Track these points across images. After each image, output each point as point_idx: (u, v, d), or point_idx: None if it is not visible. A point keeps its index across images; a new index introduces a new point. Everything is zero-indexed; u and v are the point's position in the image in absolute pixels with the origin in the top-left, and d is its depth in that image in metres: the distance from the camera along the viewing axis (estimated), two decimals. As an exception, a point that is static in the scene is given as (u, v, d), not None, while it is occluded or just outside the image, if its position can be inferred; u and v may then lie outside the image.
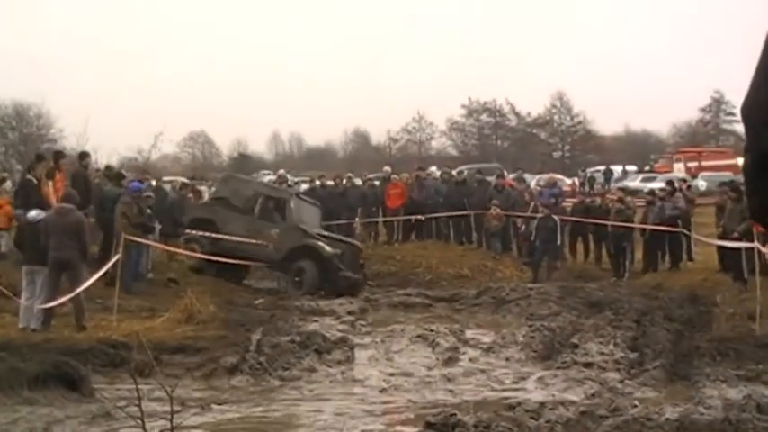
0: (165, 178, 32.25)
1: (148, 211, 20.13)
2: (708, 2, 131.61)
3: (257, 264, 22.93)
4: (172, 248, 20.94)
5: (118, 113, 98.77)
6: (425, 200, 27.95)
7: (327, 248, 21.42)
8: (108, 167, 22.95)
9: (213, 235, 22.11)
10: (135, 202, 19.15)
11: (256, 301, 19.76)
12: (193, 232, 22.15)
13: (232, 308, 18.12)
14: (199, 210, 23.03)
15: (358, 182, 31.14)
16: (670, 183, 27.40)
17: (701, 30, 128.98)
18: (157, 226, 20.71)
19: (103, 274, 16.24)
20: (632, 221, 25.02)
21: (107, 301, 16.34)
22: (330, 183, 31.21)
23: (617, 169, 59.59)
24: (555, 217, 24.98)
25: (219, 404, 11.33)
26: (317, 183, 31.39)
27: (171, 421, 5.09)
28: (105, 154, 41.52)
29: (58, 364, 11.31)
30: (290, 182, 33.35)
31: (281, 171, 36.40)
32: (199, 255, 21.85)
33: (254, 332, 15.39)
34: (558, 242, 25.12)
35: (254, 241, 21.82)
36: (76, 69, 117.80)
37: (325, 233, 22.58)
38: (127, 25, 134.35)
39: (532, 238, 25.39)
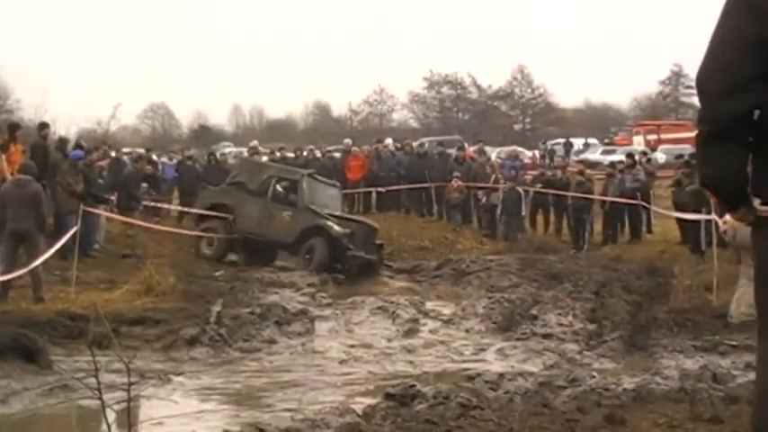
0: (125, 149, 32.03)
1: (100, 181, 19.96)
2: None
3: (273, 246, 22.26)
4: (129, 219, 20.67)
5: (77, 85, 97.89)
6: (386, 172, 27.97)
7: (336, 228, 20.55)
8: (62, 139, 22.64)
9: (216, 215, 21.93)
10: (78, 170, 18.87)
11: (216, 273, 19.69)
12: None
13: (192, 280, 18.02)
14: (215, 195, 22.62)
15: (319, 154, 31.05)
16: (630, 156, 27.57)
17: (662, 2, 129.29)
18: (113, 198, 20.54)
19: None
20: (592, 194, 25.14)
21: (65, 273, 16.21)
22: (291, 155, 31.12)
23: (577, 142, 59.78)
24: (519, 189, 25.12)
25: (178, 375, 11.31)
26: (278, 154, 31.30)
27: (129, 392, 5.06)
28: (63, 125, 41.14)
29: (16, 336, 11.22)
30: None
31: (254, 142, 36.14)
32: (154, 226, 21.76)
33: (215, 304, 15.33)
34: (523, 213, 25.31)
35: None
36: (34, 40, 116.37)
37: (338, 213, 21.77)
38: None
39: (499, 212, 25.53)
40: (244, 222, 21.41)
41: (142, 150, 32.18)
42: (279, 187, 22.00)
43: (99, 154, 22.14)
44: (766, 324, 3.58)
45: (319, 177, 23.11)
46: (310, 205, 21.07)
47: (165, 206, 26.29)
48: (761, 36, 3.39)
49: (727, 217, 9.10)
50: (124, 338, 12.48)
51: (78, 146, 21.40)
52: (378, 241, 21.92)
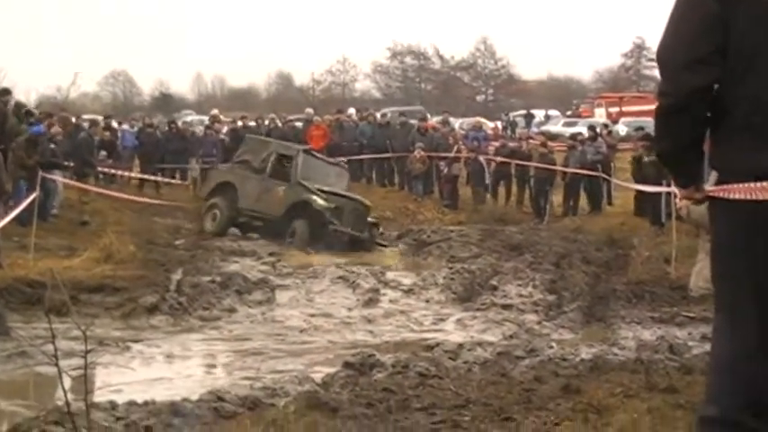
0: (85, 116, 31.77)
1: (52, 146, 19.80)
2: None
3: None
4: (85, 186, 20.46)
5: (37, 51, 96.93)
6: (348, 141, 27.94)
7: (320, 201, 20.17)
8: (18, 105, 22.35)
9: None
10: (37, 145, 18.68)
11: (177, 242, 19.64)
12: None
13: (152, 248, 18.00)
14: (223, 174, 22.47)
15: (279, 123, 30.97)
16: (592, 128, 27.69)
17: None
18: (70, 164, 20.36)
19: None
20: (555, 166, 25.23)
21: (24, 240, 16.10)
22: (252, 124, 31.02)
23: (539, 114, 59.92)
24: (481, 159, 25.23)
25: (137, 342, 11.28)
26: (239, 123, 31.22)
27: (86, 359, 5.04)
28: (23, 91, 40.71)
29: (-27, 302, 11.15)
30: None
31: (215, 111, 35.95)
32: (111, 192, 21.69)
33: (175, 272, 15.33)
34: (487, 182, 25.45)
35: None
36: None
37: (328, 189, 20.88)
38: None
39: (465, 182, 25.69)
40: (244, 199, 21.25)
41: (97, 117, 31.85)
42: (279, 163, 21.75)
43: (53, 122, 21.80)
44: (722, 297, 3.61)
45: (319, 155, 23.15)
46: (302, 181, 20.73)
47: (122, 173, 26.13)
48: (720, 10, 3.41)
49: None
50: (83, 306, 12.44)
51: (32, 115, 21.08)
52: (372, 219, 21.65)
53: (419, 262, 18.66)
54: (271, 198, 20.83)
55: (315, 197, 20.26)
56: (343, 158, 26.81)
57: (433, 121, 37.84)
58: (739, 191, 3.42)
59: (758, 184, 3.36)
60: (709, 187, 3.62)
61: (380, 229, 21.94)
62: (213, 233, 20.99)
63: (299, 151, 21.80)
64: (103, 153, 25.38)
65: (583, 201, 24.96)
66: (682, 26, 3.50)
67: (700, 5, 3.44)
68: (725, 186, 3.49)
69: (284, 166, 21.49)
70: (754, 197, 3.38)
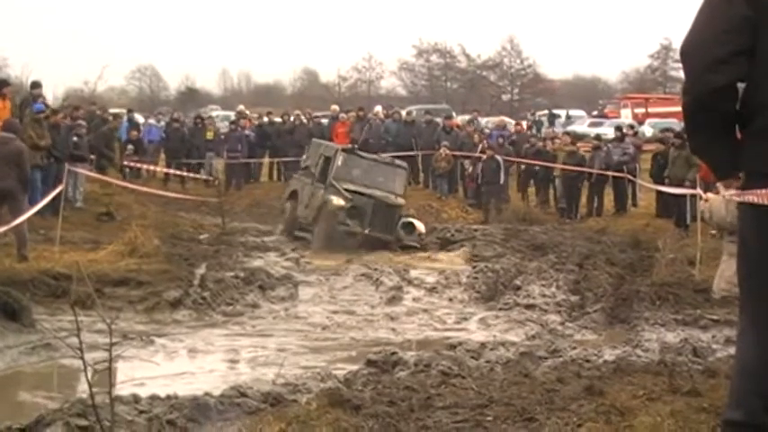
0: (111, 110, 31.88)
1: (75, 139, 19.90)
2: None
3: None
4: (106, 178, 20.50)
5: (65, 45, 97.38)
6: (374, 139, 27.88)
7: (334, 202, 19.38)
8: (34, 83, 22.38)
9: None
10: (41, 124, 18.71)
11: (201, 236, 19.70)
12: None
13: (176, 242, 18.06)
14: (293, 182, 22.30)
15: (305, 119, 31.00)
16: (619, 129, 27.57)
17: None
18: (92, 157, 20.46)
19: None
20: (585, 164, 25.15)
21: (50, 233, 16.19)
22: (278, 120, 31.08)
23: (562, 113, 59.73)
24: (498, 157, 25.15)
25: (161, 336, 11.33)
26: (266, 119, 31.28)
27: (110, 352, 5.07)
28: (51, 84, 40.93)
29: (-1, 294, 11.21)
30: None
31: (241, 107, 36.03)
32: (126, 184, 21.73)
33: (198, 267, 15.36)
34: (501, 181, 25.32)
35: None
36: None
37: (358, 189, 19.83)
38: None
39: (478, 181, 25.54)
40: (300, 206, 20.86)
41: (119, 110, 31.99)
42: (325, 166, 20.96)
43: (78, 115, 21.88)
44: (747, 299, 3.61)
45: (365, 154, 21.97)
46: (336, 182, 19.88)
47: (147, 167, 26.25)
48: (746, 12, 3.40)
49: (709, 195, 9.13)
50: (107, 299, 12.50)
51: (34, 97, 21.10)
52: (408, 219, 20.51)
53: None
54: (313, 203, 20.36)
55: (332, 197, 19.56)
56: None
57: (460, 119, 37.77)
58: (762, 196, 3.41)
59: None
60: (733, 191, 3.62)
61: (419, 230, 20.37)
62: (282, 233, 21.14)
63: (338, 151, 20.94)
64: (131, 147, 25.52)
65: (607, 202, 24.88)
66: (707, 25, 3.50)
67: (728, 5, 3.44)
68: (749, 192, 3.48)
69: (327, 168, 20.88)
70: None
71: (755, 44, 3.42)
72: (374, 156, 22.34)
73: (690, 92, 3.56)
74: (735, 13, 3.42)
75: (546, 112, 59.25)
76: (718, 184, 3.99)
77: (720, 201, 4.38)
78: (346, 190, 19.73)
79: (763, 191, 3.41)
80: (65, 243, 15.84)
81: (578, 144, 28.09)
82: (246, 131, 29.44)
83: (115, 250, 15.60)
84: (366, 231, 19.41)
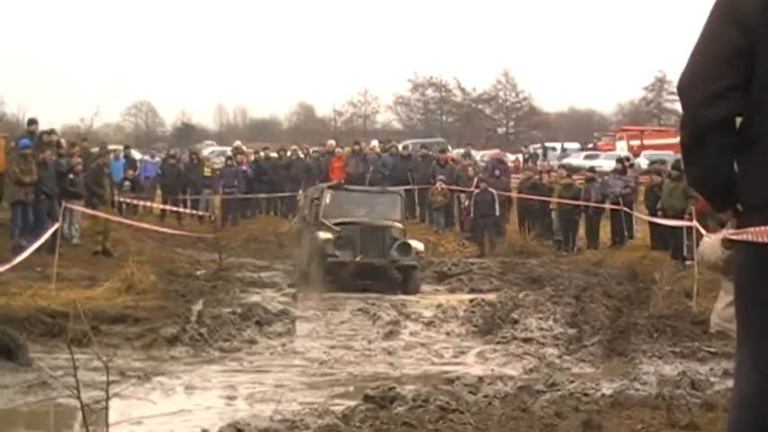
0: (110, 146, 31.95)
1: (71, 176, 19.97)
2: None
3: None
4: (102, 214, 20.40)
5: (61, 82, 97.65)
6: (365, 173, 27.88)
7: (320, 236, 18.90)
8: (31, 120, 22.47)
9: None
10: (28, 159, 18.76)
11: (198, 272, 19.69)
12: None
13: (173, 278, 18.04)
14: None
15: (302, 154, 31.12)
16: (620, 161, 27.62)
17: (647, 9, 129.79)
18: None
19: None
20: (580, 197, 25.22)
21: (46, 270, 16.18)
22: (274, 155, 31.15)
23: (556, 146, 59.97)
24: (492, 190, 25.20)
25: (158, 374, 11.29)
26: (262, 154, 31.37)
27: (107, 391, 5.06)
28: (47, 120, 40.97)
29: (-5, 332, 11.18)
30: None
31: (238, 142, 36.17)
32: (122, 219, 21.67)
33: (195, 303, 15.36)
34: (497, 214, 25.35)
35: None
36: (19, 34, 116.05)
37: (346, 219, 19.46)
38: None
39: (471, 214, 25.57)
40: (303, 252, 20.68)
41: (115, 146, 32.10)
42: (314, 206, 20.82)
43: (73, 152, 21.89)
44: (744, 334, 3.61)
45: (354, 187, 22.06)
46: (325, 219, 19.56)
47: (143, 204, 26.28)
48: (742, 47, 3.42)
49: (707, 237, 9.14)
50: (104, 336, 12.47)
51: (30, 133, 21.19)
52: (402, 240, 19.37)
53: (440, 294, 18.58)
54: (305, 245, 20.31)
55: (319, 233, 19.13)
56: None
57: (455, 153, 37.89)
58: (758, 233, 3.43)
59: None
60: (730, 229, 3.64)
61: (416, 249, 19.47)
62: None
63: (324, 189, 20.80)
64: (128, 184, 25.57)
65: (603, 234, 24.93)
66: (702, 59, 3.52)
67: (722, 40, 3.46)
68: (744, 230, 3.49)
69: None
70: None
71: (752, 75, 3.44)
72: (363, 187, 22.54)
73: (687, 126, 3.58)
74: (730, 44, 3.44)
75: (539, 145, 59.51)
76: (714, 222, 4.03)
77: (712, 242, 4.40)
78: (335, 224, 19.34)
79: (760, 228, 3.42)
80: (61, 280, 15.84)
81: (574, 177, 28.17)
82: (244, 167, 29.48)
83: (112, 287, 15.58)
84: (357, 259, 18.82)
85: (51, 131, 21.71)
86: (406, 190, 26.98)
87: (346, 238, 18.93)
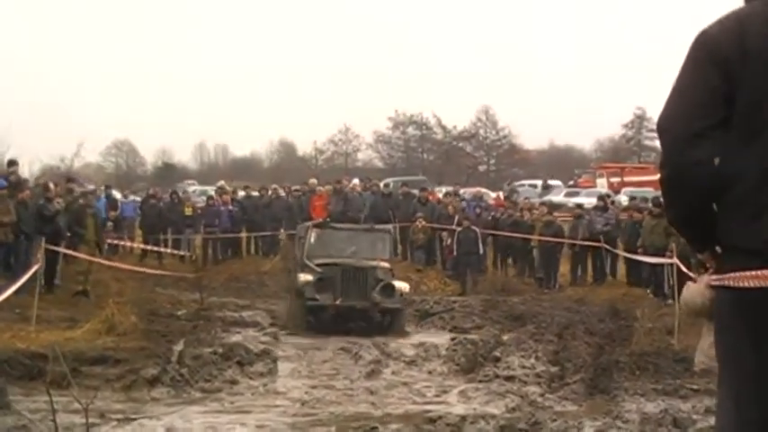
0: (91, 186, 31.93)
1: (45, 212, 19.95)
2: (632, 21, 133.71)
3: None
4: (82, 255, 20.32)
5: (41, 121, 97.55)
6: (352, 211, 27.94)
7: (301, 278, 18.51)
8: (11, 161, 22.48)
9: None
10: (5, 200, 18.74)
11: (179, 312, 19.61)
12: None
13: (154, 318, 17.97)
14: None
15: (283, 193, 31.16)
16: (602, 198, 27.72)
17: (626, 46, 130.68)
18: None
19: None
20: (562, 233, 25.29)
21: (26, 311, 16.09)
22: (255, 194, 31.17)
23: (538, 183, 60.19)
24: (475, 228, 25.23)
25: (137, 418, 11.21)
26: (243, 193, 31.40)
27: (87, 435, 5.03)
28: (27, 161, 40.99)
29: (-27, 375, 11.09)
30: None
31: (221, 182, 36.27)
32: (102, 260, 21.54)
33: (176, 343, 15.28)
34: (480, 252, 25.36)
35: None
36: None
37: (327, 261, 18.97)
38: (49, 31, 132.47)
39: (454, 252, 25.57)
40: (284, 293, 20.49)
41: (91, 186, 32.09)
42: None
43: (55, 192, 21.83)
44: (725, 375, 3.63)
45: (341, 225, 21.49)
46: (308, 260, 19.05)
47: (123, 243, 26.26)
48: (720, 87, 3.45)
49: (689, 283, 9.19)
50: (84, 378, 12.37)
51: (10, 174, 21.18)
52: (385, 282, 18.88)
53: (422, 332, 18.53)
54: (291, 286, 19.79)
55: (300, 275, 18.71)
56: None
57: (443, 191, 37.92)
58: (736, 279, 3.45)
59: (755, 273, 3.38)
60: (711, 276, 3.67)
61: (400, 290, 18.98)
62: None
63: (308, 228, 20.29)
64: (110, 224, 25.54)
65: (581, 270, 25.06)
66: (681, 100, 3.54)
67: (701, 78, 3.49)
68: (725, 276, 3.51)
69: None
70: (751, 285, 3.40)
71: (730, 116, 3.46)
72: (351, 225, 21.92)
73: (667, 166, 3.60)
74: (709, 85, 3.46)
75: (525, 182, 59.74)
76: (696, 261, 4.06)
77: (698, 285, 4.40)
78: (318, 264, 18.84)
79: (736, 274, 3.44)
80: (41, 322, 15.76)
81: (556, 213, 28.27)
82: (230, 207, 29.47)
83: (92, 328, 15.51)
84: (337, 302, 18.32)
85: (12, 162, 21.60)
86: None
87: (327, 280, 18.44)
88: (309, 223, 21.24)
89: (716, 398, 3.75)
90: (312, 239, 19.77)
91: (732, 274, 3.47)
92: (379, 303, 18.56)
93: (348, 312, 18.57)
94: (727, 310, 3.57)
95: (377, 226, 21.43)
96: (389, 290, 18.74)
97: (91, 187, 29.34)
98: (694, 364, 12.24)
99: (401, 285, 19.21)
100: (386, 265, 19.59)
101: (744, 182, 3.45)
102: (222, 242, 29.08)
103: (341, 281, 18.57)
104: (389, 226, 22.28)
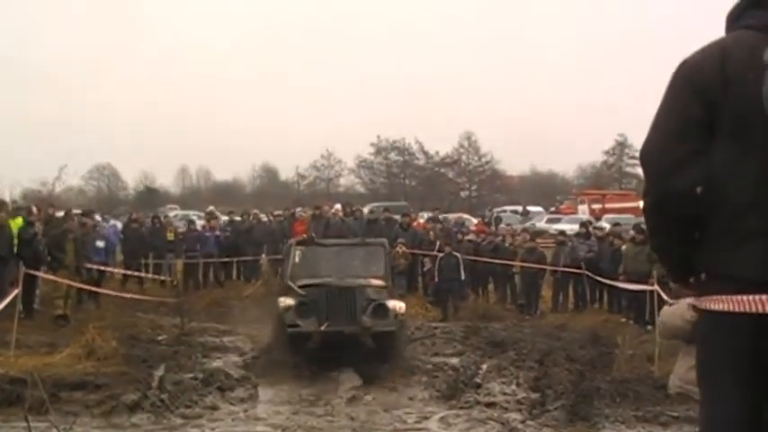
0: (75, 211, 31.86)
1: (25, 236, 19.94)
2: (613, 49, 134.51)
3: None
4: (63, 280, 20.26)
5: (21, 144, 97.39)
6: (333, 237, 27.90)
7: (281, 303, 16.65)
8: None
9: None
10: None
11: (159, 337, 19.55)
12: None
13: (134, 344, 17.89)
14: None
15: (264, 218, 31.20)
16: (584, 225, 27.76)
17: (607, 73, 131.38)
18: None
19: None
20: (545, 259, 25.32)
21: (5, 336, 16.02)
22: (238, 218, 31.20)
23: (520, 209, 60.39)
24: (456, 254, 25.24)
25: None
26: (226, 218, 31.41)
27: (66, 462, 5.01)
28: (8, 185, 40.83)
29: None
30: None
31: (211, 208, 36.29)
32: (83, 285, 21.41)
33: (157, 369, 15.21)
34: (462, 278, 25.35)
35: None
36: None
37: (313, 282, 17.07)
38: (30, 54, 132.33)
39: (435, 279, 25.56)
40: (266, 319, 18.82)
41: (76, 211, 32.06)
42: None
43: (35, 217, 21.75)
44: (705, 400, 3.66)
45: (328, 241, 19.87)
46: (291, 282, 17.30)
47: (104, 269, 26.12)
48: (702, 116, 3.49)
49: (666, 307, 9.23)
50: (64, 404, 12.31)
51: None
52: (378, 302, 16.82)
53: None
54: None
55: (281, 299, 16.89)
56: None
57: (424, 216, 37.95)
58: (719, 302, 3.48)
59: (738, 297, 3.41)
60: (691, 300, 3.71)
61: (394, 311, 16.86)
62: None
63: (291, 246, 18.57)
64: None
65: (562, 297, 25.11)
66: (665, 128, 3.59)
67: (683, 108, 3.53)
68: (704, 298, 3.54)
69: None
70: (733, 309, 3.43)
71: (712, 144, 3.49)
72: (338, 240, 20.29)
73: (650, 194, 3.65)
74: (690, 116, 3.51)
75: (507, 208, 59.89)
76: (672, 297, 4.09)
77: (678, 307, 4.46)
78: (302, 286, 17.03)
79: (715, 297, 3.47)
80: (20, 347, 15.69)
81: (538, 240, 28.32)
82: (217, 232, 29.44)
83: (72, 353, 15.45)
84: (322, 328, 16.23)
85: None
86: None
87: (310, 304, 16.54)
88: (292, 240, 19.52)
89: (698, 423, 3.78)
90: (296, 258, 18.10)
91: (715, 297, 3.50)
92: (369, 328, 16.38)
93: (334, 339, 16.35)
94: (707, 333, 3.60)
95: (368, 240, 19.65)
96: (382, 311, 16.67)
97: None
98: (668, 387, 12.33)
99: (396, 305, 17.08)
100: (379, 282, 17.64)
101: (728, 208, 3.48)
102: (214, 266, 29.07)
103: (326, 304, 16.58)
104: (383, 239, 20.15)
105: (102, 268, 25.26)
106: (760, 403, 3.50)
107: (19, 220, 20.35)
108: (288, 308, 16.47)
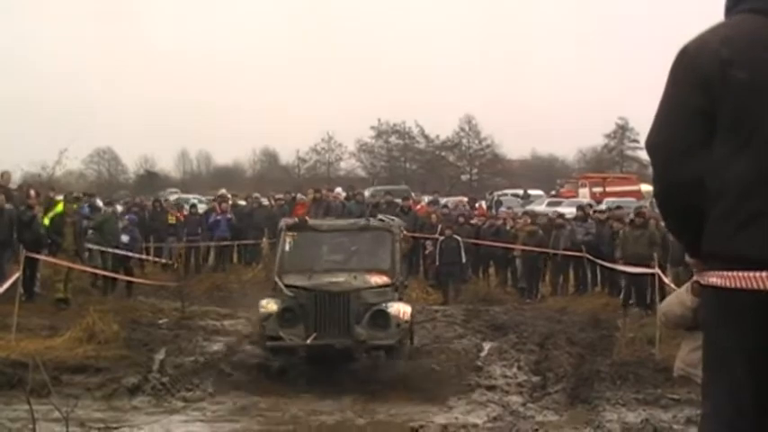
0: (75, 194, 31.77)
1: (23, 218, 19.93)
2: (614, 31, 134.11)
3: None
4: (64, 263, 20.18)
5: (22, 128, 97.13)
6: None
7: (264, 305, 14.18)
8: None
9: None
10: None
11: (160, 321, 19.55)
12: None
13: (135, 327, 17.88)
14: None
15: (265, 202, 31.14)
16: (581, 208, 27.68)
17: (608, 58, 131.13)
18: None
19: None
20: (546, 244, 25.29)
21: (6, 320, 16.02)
22: (242, 202, 31.18)
23: (521, 192, 60.30)
24: (457, 237, 25.18)
25: (117, 427, 11.17)
26: (230, 202, 31.35)
27: (66, 444, 5.01)
28: (8, 169, 40.73)
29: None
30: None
31: (222, 191, 36.12)
32: (86, 267, 21.40)
33: (158, 352, 15.22)
34: (464, 260, 25.30)
35: None
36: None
37: (302, 284, 14.27)
38: (31, 40, 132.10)
39: (436, 262, 25.50)
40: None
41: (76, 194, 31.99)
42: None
43: (35, 201, 21.73)
44: (709, 385, 3.64)
45: (323, 223, 17.03)
46: (278, 278, 14.65)
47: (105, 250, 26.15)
48: (703, 106, 3.48)
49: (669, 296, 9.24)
50: (65, 387, 12.35)
51: None
52: (379, 308, 14.07)
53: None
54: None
55: (262, 302, 14.43)
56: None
57: (424, 200, 37.85)
58: (725, 278, 3.46)
59: (742, 274, 3.40)
60: (690, 284, 3.71)
61: (397, 319, 14.10)
62: None
63: (281, 231, 15.72)
64: (92, 232, 25.39)
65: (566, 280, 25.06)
66: (669, 118, 3.58)
67: (684, 98, 3.52)
68: (709, 273, 3.54)
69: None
70: (737, 285, 3.42)
71: (714, 132, 3.49)
72: (336, 223, 17.67)
73: (658, 182, 3.66)
74: (691, 104, 3.50)
75: (508, 191, 59.81)
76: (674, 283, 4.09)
77: (678, 293, 4.46)
78: (288, 286, 14.36)
79: (723, 272, 3.46)
80: (22, 330, 15.69)
81: (538, 223, 28.26)
82: (228, 215, 29.32)
83: (73, 336, 15.45)
84: (308, 341, 13.68)
85: None
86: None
87: (296, 310, 14.02)
88: (283, 222, 16.40)
89: (699, 408, 3.76)
90: (287, 246, 15.38)
91: (719, 273, 3.49)
92: (365, 341, 13.82)
93: (323, 354, 13.91)
94: (713, 313, 3.60)
95: (372, 223, 16.23)
96: (382, 320, 14.01)
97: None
98: (674, 370, 12.39)
99: (399, 310, 14.30)
100: (381, 280, 14.73)
101: (730, 193, 3.48)
102: (221, 250, 29.05)
103: (314, 310, 13.91)
104: (391, 222, 16.89)
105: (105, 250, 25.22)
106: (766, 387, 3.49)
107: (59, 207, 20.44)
108: (269, 315, 14.02)
